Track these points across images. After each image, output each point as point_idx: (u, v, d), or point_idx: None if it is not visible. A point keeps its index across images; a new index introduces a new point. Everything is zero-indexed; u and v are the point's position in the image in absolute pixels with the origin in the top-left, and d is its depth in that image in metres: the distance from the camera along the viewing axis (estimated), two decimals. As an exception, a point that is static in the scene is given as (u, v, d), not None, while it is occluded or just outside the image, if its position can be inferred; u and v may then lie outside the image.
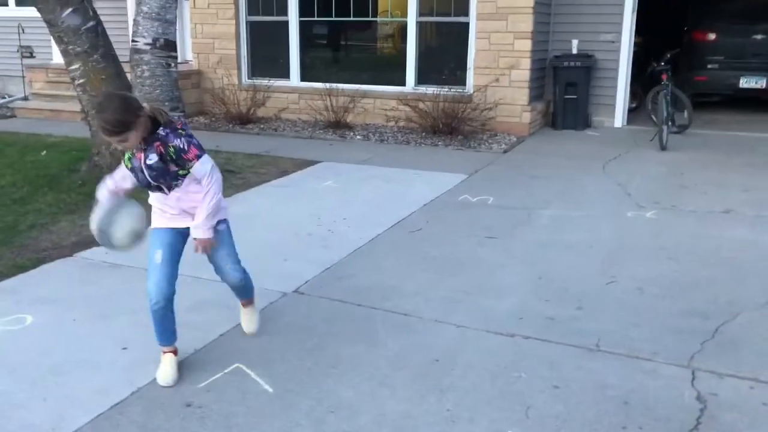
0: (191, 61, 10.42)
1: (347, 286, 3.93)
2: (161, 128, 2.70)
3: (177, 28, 6.27)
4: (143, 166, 2.73)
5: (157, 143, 2.69)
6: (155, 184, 2.79)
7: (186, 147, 2.70)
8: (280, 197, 5.86)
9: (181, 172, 2.75)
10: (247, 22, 9.99)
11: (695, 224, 5.05)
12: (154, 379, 2.90)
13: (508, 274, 4.10)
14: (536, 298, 3.75)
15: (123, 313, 3.56)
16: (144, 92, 5.95)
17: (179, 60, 10.19)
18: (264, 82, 9.71)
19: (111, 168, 6.15)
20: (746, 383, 2.86)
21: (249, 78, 10.11)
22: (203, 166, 2.75)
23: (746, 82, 9.72)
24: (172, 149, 2.68)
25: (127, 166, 2.83)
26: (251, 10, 9.94)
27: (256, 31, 10.03)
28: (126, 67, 6.34)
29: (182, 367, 2.99)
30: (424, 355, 3.11)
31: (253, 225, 4.93)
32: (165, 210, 2.89)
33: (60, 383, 2.90)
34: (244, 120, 9.28)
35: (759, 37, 9.72)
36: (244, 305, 3.30)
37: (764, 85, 9.64)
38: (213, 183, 2.79)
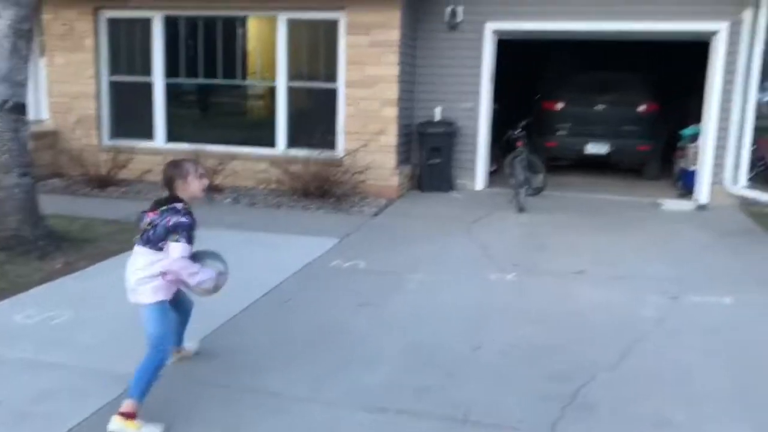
0: (47, 120, 9.84)
1: (211, 366, 3.74)
2: (181, 204, 3.23)
3: (32, 86, 5.89)
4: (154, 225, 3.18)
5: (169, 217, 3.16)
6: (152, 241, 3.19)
7: (174, 225, 3.14)
8: (142, 268, 5.53)
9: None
10: (109, 82, 9.63)
11: (552, 286, 5.34)
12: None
13: (378, 344, 4.10)
14: (406, 368, 3.77)
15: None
16: (-11, 157, 5.51)
17: (34, 118, 9.66)
18: (126, 143, 9.33)
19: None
20: (603, 446, 3.00)
21: (110, 139, 9.69)
22: (174, 252, 3.10)
23: (591, 148, 10.62)
24: (172, 223, 3.15)
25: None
26: (114, 69, 9.61)
27: (119, 90, 9.69)
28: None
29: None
30: (293, 439, 3.01)
31: (110, 300, 4.61)
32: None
33: None
34: (104, 183, 8.82)
35: (601, 107, 10.71)
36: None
37: (607, 151, 10.58)
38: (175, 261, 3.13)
